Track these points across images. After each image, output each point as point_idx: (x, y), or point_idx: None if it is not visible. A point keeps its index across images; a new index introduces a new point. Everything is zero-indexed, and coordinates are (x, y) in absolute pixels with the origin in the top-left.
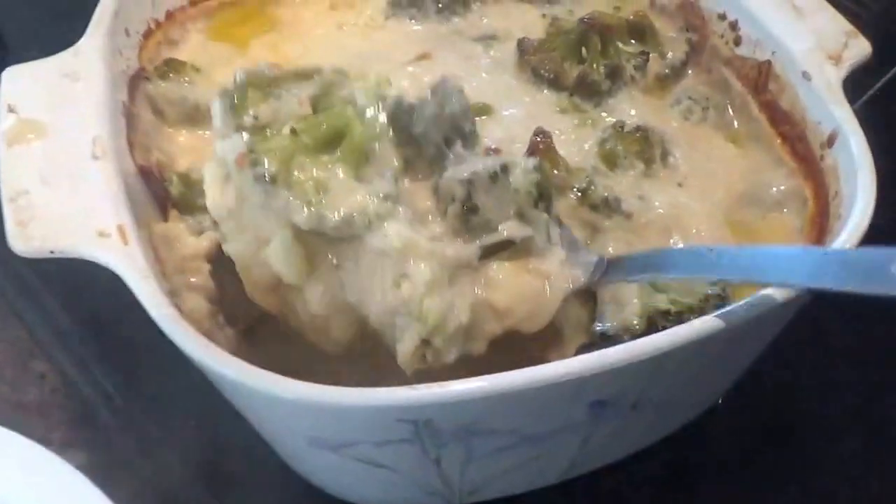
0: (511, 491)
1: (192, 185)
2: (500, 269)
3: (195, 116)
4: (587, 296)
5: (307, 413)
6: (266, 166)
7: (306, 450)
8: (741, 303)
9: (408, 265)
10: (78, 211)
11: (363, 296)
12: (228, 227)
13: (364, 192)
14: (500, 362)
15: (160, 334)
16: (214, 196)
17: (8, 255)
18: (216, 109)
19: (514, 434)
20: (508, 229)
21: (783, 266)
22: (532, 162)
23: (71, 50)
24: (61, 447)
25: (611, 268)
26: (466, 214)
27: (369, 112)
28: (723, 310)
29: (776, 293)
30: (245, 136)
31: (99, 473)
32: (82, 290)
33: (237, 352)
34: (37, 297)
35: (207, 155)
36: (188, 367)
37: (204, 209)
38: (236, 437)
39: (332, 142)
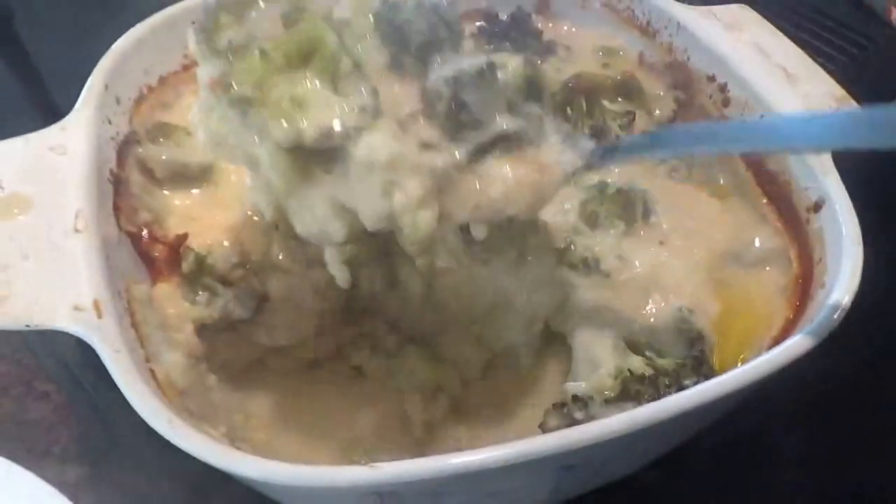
0: None
1: (203, 267)
2: (496, 164)
3: (185, 175)
4: (564, 353)
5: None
6: (239, 88)
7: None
8: (714, 381)
9: (397, 176)
10: (56, 285)
11: (357, 202)
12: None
13: (342, 105)
14: (483, 404)
15: None
16: (206, 124)
17: None
18: (190, 37)
19: (478, 491)
20: (500, 124)
21: (806, 130)
22: (520, 59)
23: (59, 124)
24: (61, 460)
25: (607, 152)
26: (455, 113)
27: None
28: (693, 389)
29: (756, 367)
30: (218, 61)
31: (95, 486)
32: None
33: (220, 397)
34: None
35: (196, 214)
36: None
37: (205, 287)
38: None
39: (305, 57)
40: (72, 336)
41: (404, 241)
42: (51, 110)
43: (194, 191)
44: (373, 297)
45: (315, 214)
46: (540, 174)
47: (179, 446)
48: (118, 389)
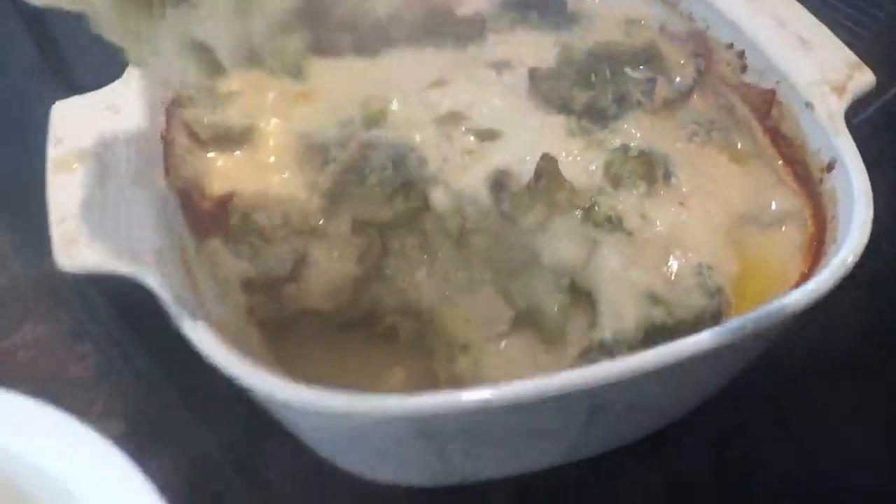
0: (510, 472)
1: (248, 225)
2: None
3: (228, 137)
4: (587, 304)
5: (332, 419)
6: None
7: (327, 441)
8: (736, 320)
9: None
10: (118, 234)
11: (210, 34)
12: None
13: None
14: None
15: None
16: None
17: None
18: None
19: (512, 431)
20: None
21: None
22: None
23: (113, 84)
24: (101, 417)
25: None
26: None
27: None
28: (718, 328)
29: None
30: None
31: (134, 442)
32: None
33: (259, 353)
34: (81, 287)
35: (239, 176)
36: None
37: (249, 244)
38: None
39: None
40: (109, 294)
41: (435, 203)
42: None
43: (237, 153)
44: (404, 260)
45: (165, 55)
46: None
47: (250, 385)
48: (156, 348)
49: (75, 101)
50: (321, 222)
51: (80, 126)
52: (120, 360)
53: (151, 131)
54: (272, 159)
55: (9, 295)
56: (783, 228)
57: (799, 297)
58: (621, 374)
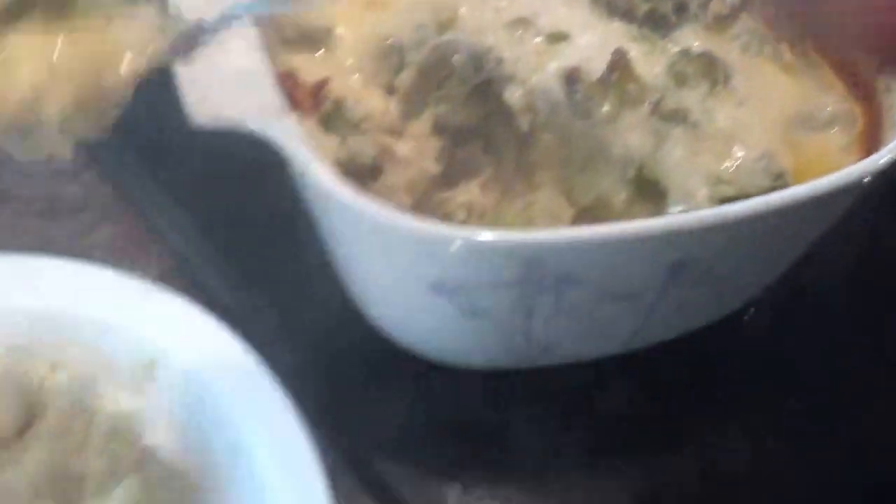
0: (576, 356)
1: (339, 111)
2: None
3: (310, 37)
4: (654, 192)
5: (447, 255)
6: None
7: (422, 297)
8: (812, 182)
9: None
10: (243, 95)
11: None
12: None
13: None
14: None
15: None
16: None
17: (131, 159)
18: None
19: (598, 289)
20: None
21: None
22: None
23: None
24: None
25: None
26: None
27: None
28: (795, 188)
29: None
30: None
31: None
32: (196, 186)
33: None
34: (153, 194)
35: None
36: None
37: (338, 130)
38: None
39: None
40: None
41: (510, 97)
42: None
43: (317, 54)
44: (471, 159)
45: None
46: None
47: (396, 227)
48: (234, 250)
49: None
50: (400, 121)
51: (193, 3)
52: (196, 257)
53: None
54: (350, 62)
55: (82, 201)
56: (834, 129)
57: (868, 164)
58: (708, 222)
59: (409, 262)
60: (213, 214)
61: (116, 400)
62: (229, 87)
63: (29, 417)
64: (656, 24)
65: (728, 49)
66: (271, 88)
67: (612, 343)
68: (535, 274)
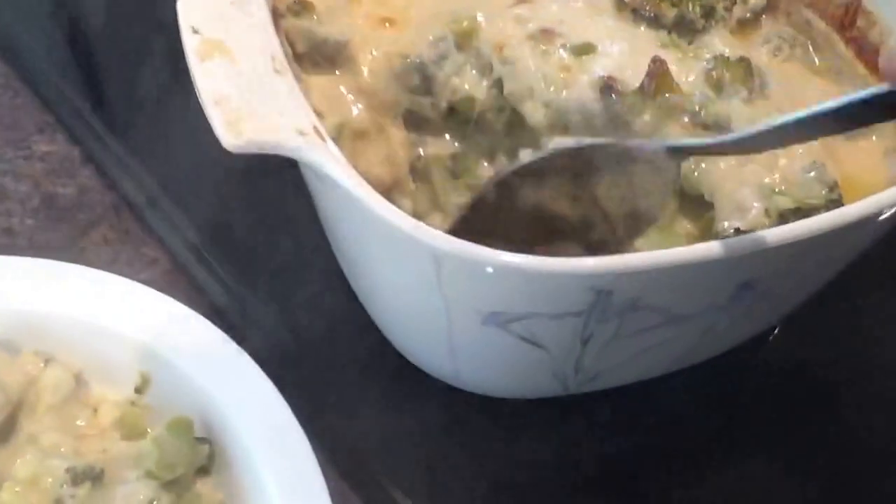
0: (621, 382)
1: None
2: None
3: (323, 53)
4: (697, 205)
5: (509, 284)
6: None
7: (471, 328)
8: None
9: None
10: (275, 115)
11: None
12: None
13: None
14: None
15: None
16: None
17: (127, 159)
18: None
19: (663, 314)
20: None
21: None
22: None
23: None
24: None
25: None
26: None
27: None
28: (866, 200)
29: None
30: None
31: None
32: (194, 188)
33: None
34: (151, 195)
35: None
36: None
37: None
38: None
39: None
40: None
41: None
42: None
43: (335, 74)
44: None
45: None
46: None
47: (427, 242)
48: (233, 255)
49: None
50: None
51: (210, 19)
52: (192, 259)
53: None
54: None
55: (76, 203)
56: (873, 137)
57: None
58: (788, 238)
59: (465, 292)
60: (213, 215)
61: (113, 398)
62: (259, 107)
63: (14, 411)
64: (685, 29)
65: (758, 53)
66: (305, 107)
67: (659, 366)
68: (603, 301)
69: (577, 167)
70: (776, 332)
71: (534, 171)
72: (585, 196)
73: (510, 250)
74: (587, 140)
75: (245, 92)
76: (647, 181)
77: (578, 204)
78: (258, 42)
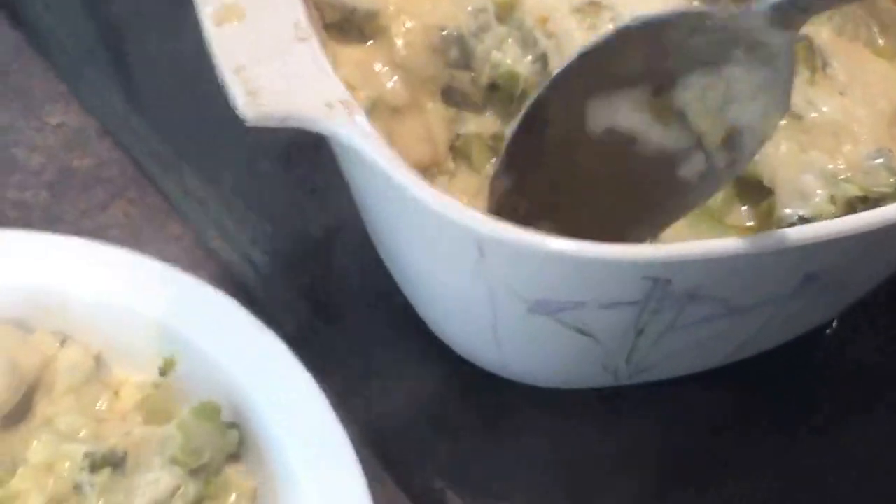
0: (673, 374)
1: None
2: None
3: (353, 24)
4: (755, 191)
5: (559, 271)
6: None
7: (519, 317)
8: None
9: None
10: (298, 86)
11: None
12: None
13: None
14: None
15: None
16: None
17: (147, 131)
18: None
19: (723, 305)
20: None
21: None
22: None
23: None
24: None
25: None
26: None
27: None
28: None
29: None
30: None
31: None
32: (216, 161)
33: None
34: (174, 170)
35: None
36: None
37: None
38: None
39: None
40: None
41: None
42: None
43: (365, 45)
44: None
45: None
46: None
47: (467, 225)
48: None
49: None
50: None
51: None
52: (220, 237)
53: None
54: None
55: (94, 176)
56: None
57: None
58: (859, 229)
59: (510, 279)
60: (240, 190)
61: (136, 381)
62: (284, 78)
63: (29, 393)
64: (740, 3)
65: (821, 30)
66: (332, 78)
67: (713, 358)
68: (660, 291)
69: (656, 72)
70: (834, 325)
71: (603, 80)
72: (672, 114)
73: (563, 232)
74: (664, 13)
75: (265, 60)
76: (747, 79)
77: (660, 126)
78: (281, 7)
